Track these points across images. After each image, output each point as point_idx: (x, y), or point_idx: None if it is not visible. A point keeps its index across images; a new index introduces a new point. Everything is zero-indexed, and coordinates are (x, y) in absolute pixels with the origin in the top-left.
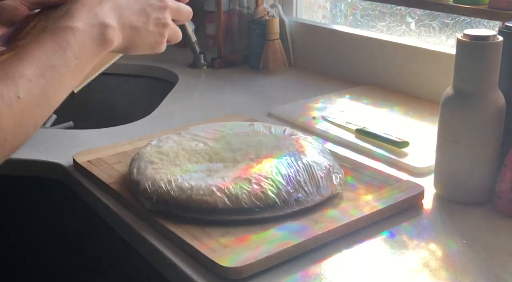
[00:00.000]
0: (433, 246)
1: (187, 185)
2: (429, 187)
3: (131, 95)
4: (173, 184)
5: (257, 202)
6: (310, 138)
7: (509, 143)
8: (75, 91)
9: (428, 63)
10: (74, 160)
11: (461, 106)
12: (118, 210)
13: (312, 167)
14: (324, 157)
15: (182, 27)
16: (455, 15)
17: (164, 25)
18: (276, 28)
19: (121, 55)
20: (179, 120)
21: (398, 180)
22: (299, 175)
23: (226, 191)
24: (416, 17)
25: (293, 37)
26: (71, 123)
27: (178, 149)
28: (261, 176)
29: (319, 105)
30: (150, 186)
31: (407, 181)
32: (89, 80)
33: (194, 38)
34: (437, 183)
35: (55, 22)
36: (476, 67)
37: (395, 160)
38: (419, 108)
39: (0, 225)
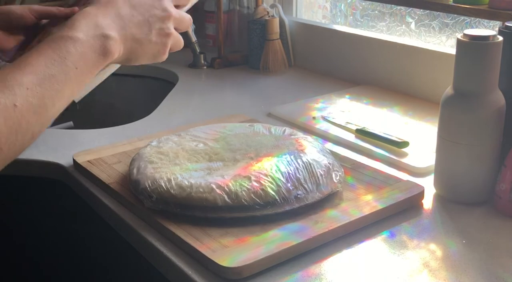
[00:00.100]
0: (433, 246)
1: (186, 183)
2: (429, 187)
3: (131, 95)
4: (173, 182)
5: (257, 199)
6: (310, 138)
7: (509, 142)
8: (76, 101)
9: (428, 63)
10: (74, 160)
11: (461, 106)
12: (118, 210)
13: (312, 165)
14: (324, 155)
15: None
16: (455, 15)
17: (167, 35)
18: (276, 28)
19: (119, 65)
20: (179, 120)
21: (398, 180)
22: (298, 173)
23: (226, 188)
24: (416, 17)
25: (293, 37)
26: (71, 123)
27: (178, 149)
28: (261, 173)
29: (319, 105)
30: (150, 185)
31: (407, 181)
32: (90, 90)
33: (194, 38)
34: (437, 183)
35: (56, 32)
36: (476, 67)
37: (395, 160)
38: (419, 108)
39: (0, 225)
